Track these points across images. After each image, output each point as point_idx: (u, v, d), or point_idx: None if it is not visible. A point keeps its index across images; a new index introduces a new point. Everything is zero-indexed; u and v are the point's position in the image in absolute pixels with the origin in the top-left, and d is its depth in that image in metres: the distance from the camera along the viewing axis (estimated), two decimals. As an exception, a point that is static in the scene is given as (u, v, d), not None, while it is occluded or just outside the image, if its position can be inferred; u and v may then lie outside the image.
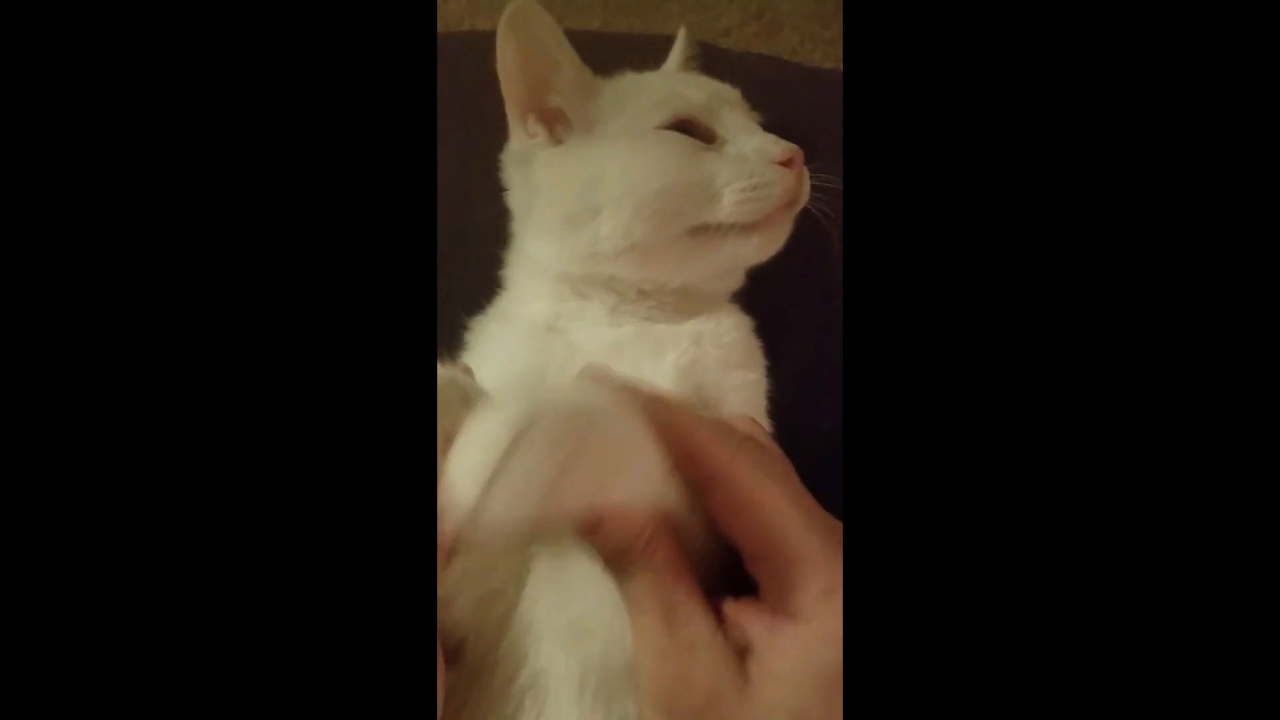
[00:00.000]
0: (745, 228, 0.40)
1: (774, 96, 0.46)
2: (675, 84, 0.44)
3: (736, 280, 0.45)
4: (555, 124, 0.42)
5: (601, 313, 0.40)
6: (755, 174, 0.39)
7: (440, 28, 0.80)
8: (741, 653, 0.26)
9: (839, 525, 0.27)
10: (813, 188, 0.42)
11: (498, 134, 0.44)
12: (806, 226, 0.43)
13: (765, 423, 0.39)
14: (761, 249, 0.41)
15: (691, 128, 0.40)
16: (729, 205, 0.38)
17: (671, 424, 0.26)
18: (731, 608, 0.27)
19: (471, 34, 0.62)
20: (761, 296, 0.46)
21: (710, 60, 0.51)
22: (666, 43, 0.52)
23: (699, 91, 0.42)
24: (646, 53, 0.46)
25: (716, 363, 0.38)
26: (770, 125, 0.43)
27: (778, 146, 0.40)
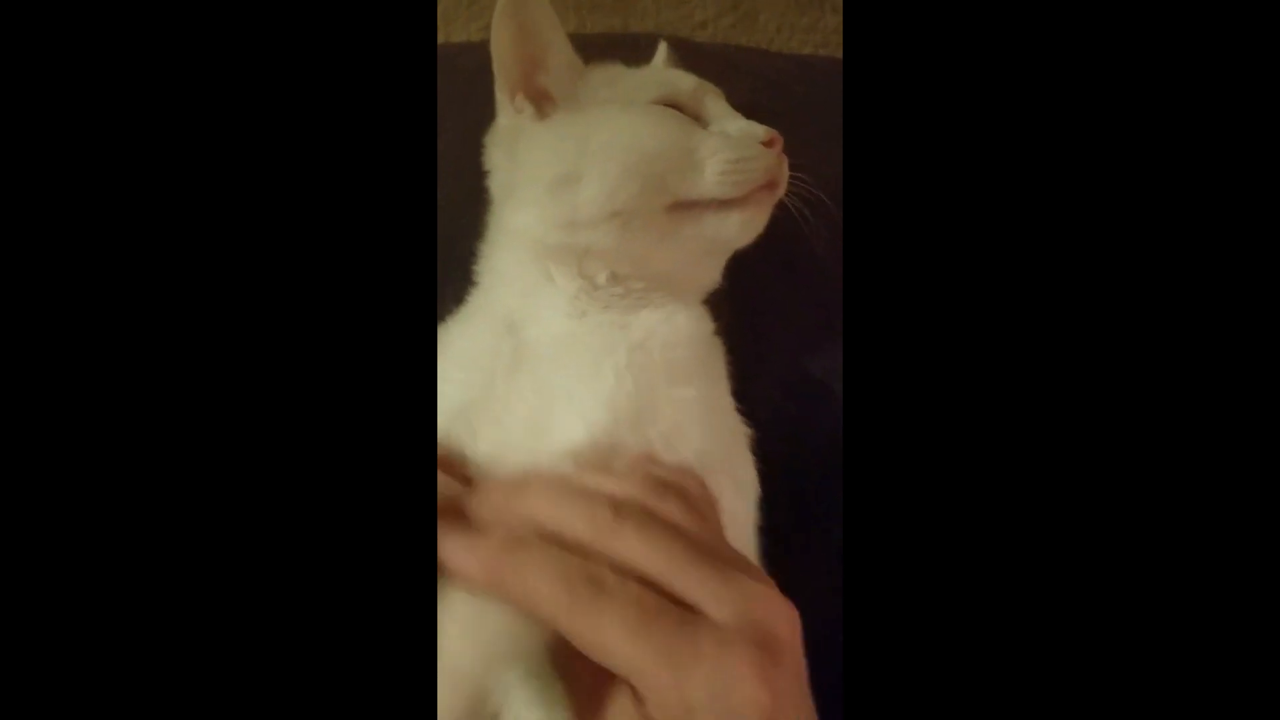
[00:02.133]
0: (725, 204, 0.40)
1: (752, 87, 0.46)
2: (663, 73, 0.46)
3: (714, 275, 0.45)
4: (542, 101, 0.43)
5: (560, 300, 0.40)
6: (738, 149, 0.40)
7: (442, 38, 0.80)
8: None
9: (730, 598, 0.27)
10: (798, 196, 0.43)
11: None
12: (789, 227, 0.44)
13: (720, 435, 0.38)
14: (742, 229, 0.41)
15: (679, 108, 0.42)
16: (711, 177, 0.39)
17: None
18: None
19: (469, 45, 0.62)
20: (754, 297, 0.46)
21: (687, 56, 0.51)
22: (644, 41, 0.52)
23: (686, 80, 0.44)
24: (624, 54, 0.46)
25: (660, 375, 0.38)
26: (748, 114, 0.44)
27: (760, 128, 0.41)
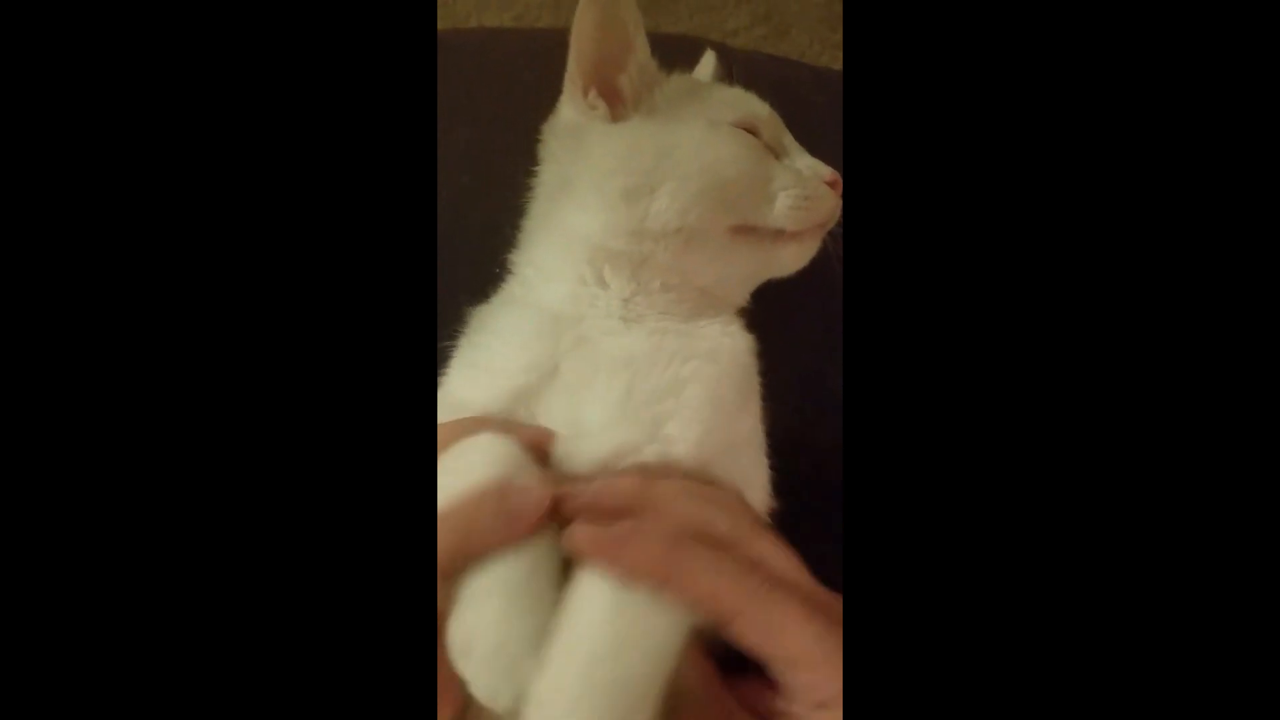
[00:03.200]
0: (787, 236, 0.41)
1: (782, 97, 0.46)
2: (743, 96, 0.46)
3: (747, 294, 0.45)
4: (616, 102, 0.42)
5: (615, 304, 0.40)
6: (808, 187, 0.41)
7: (448, 24, 0.80)
8: None
9: (827, 594, 0.28)
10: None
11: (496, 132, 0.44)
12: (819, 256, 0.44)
13: (759, 459, 0.39)
14: (794, 260, 0.43)
15: (756, 134, 0.42)
16: (781, 210, 0.40)
17: (680, 576, 0.28)
18: (765, 699, 0.29)
19: (477, 30, 0.62)
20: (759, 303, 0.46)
21: (722, 61, 0.51)
22: (676, 44, 0.52)
23: (762, 108, 0.44)
24: (656, 55, 0.46)
25: (728, 394, 0.38)
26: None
27: (826, 169, 0.43)
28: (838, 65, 0.92)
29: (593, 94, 0.42)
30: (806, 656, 0.27)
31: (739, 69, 0.47)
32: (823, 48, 0.93)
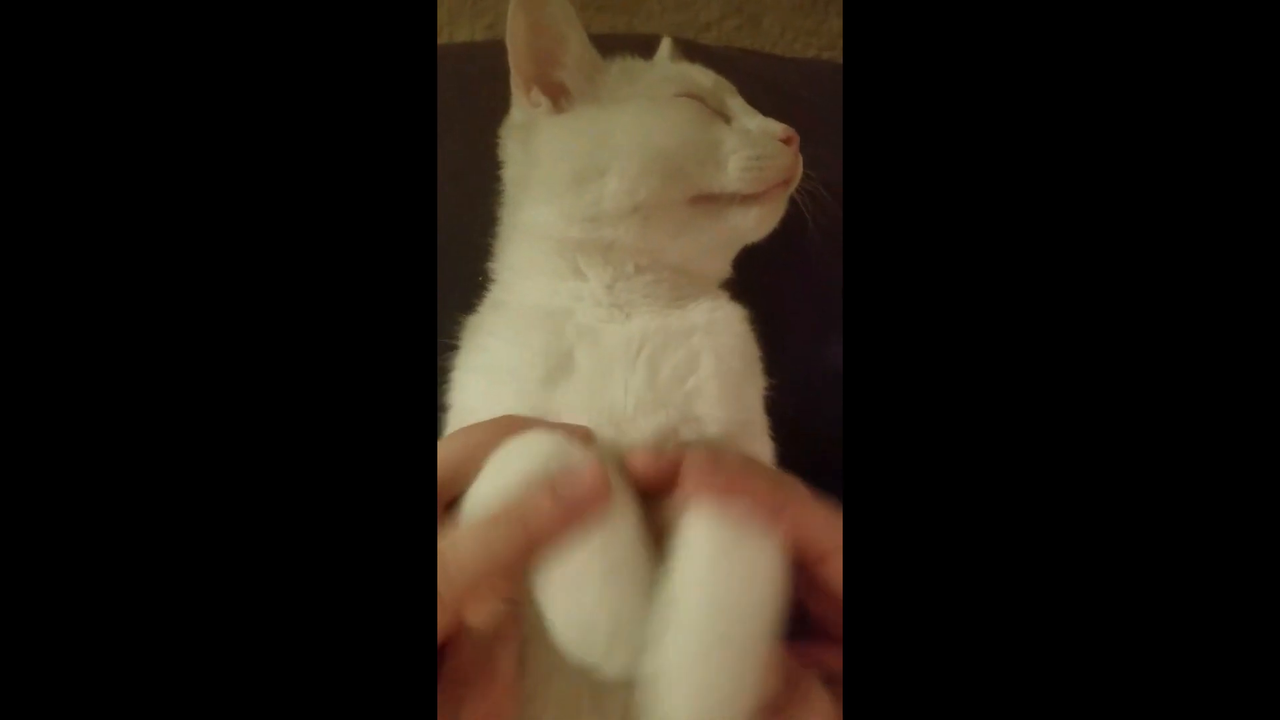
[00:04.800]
0: (746, 199, 0.41)
1: (758, 90, 0.47)
2: (684, 68, 0.46)
3: (725, 266, 0.45)
4: (559, 96, 0.43)
5: (600, 293, 0.40)
6: (759, 146, 0.41)
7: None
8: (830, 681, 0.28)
9: None
10: (803, 190, 0.44)
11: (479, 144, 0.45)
12: (796, 223, 0.44)
13: (765, 428, 0.39)
14: (760, 223, 0.42)
15: (701, 103, 0.42)
16: (733, 173, 0.40)
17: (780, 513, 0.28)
18: (811, 650, 0.29)
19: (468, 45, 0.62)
20: (757, 293, 0.46)
21: (692, 57, 0.52)
22: (649, 43, 0.52)
23: (706, 76, 0.45)
24: (630, 54, 0.46)
25: (738, 360, 0.39)
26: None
27: (778, 125, 0.42)
28: (811, 53, 0.92)
29: (535, 92, 0.43)
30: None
31: (720, 69, 0.48)
32: (796, 34, 0.93)
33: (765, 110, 0.44)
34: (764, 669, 0.27)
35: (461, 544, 0.27)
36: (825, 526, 0.28)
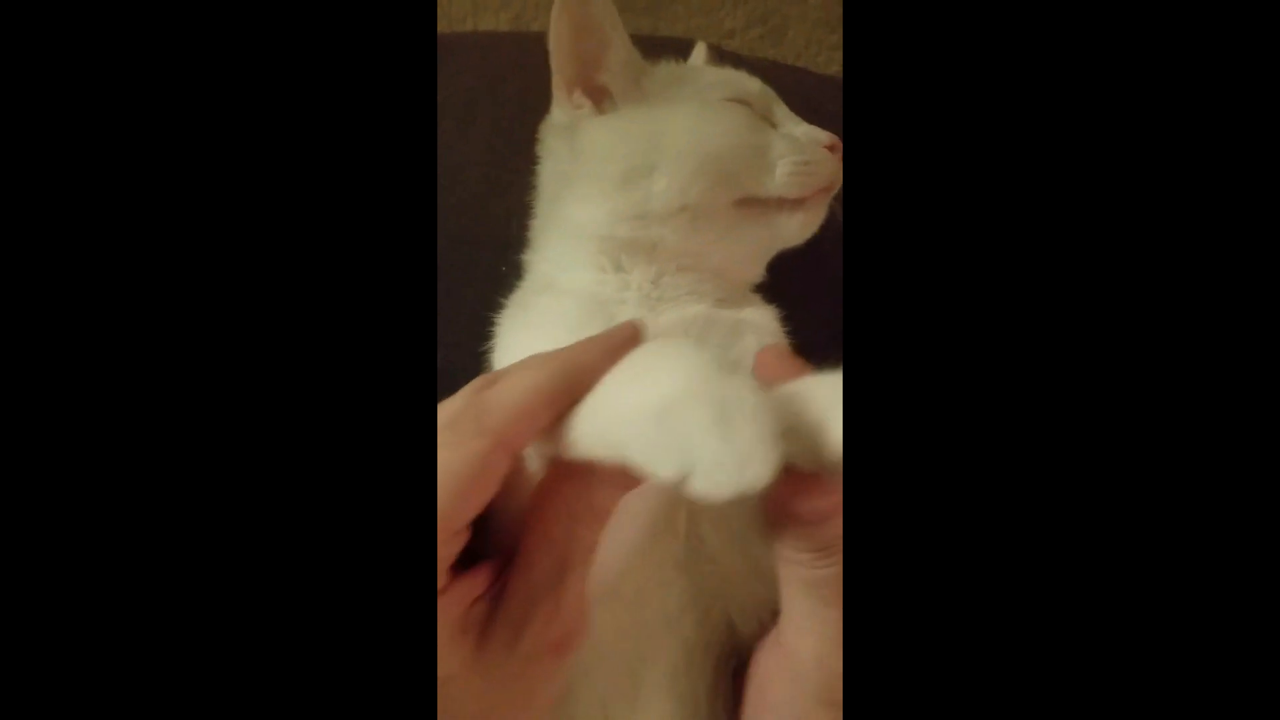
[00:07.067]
0: (791, 204, 0.41)
1: (791, 103, 0.47)
2: (731, 73, 0.47)
3: (761, 270, 0.46)
4: (601, 99, 0.43)
5: (646, 286, 0.40)
6: (806, 152, 0.41)
7: (445, 26, 0.80)
8: None
9: None
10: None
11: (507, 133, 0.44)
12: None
13: None
14: (803, 228, 0.43)
15: (750, 107, 0.43)
16: (780, 178, 0.41)
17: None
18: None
19: (474, 34, 0.62)
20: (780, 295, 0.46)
21: (724, 65, 0.52)
22: (674, 45, 0.52)
23: (753, 83, 0.45)
24: (655, 56, 0.46)
25: (784, 364, 0.38)
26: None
27: (823, 133, 0.43)
28: (833, 68, 0.92)
29: (578, 94, 0.43)
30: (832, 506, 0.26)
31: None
32: (819, 49, 0.93)
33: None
34: None
35: (505, 381, 0.26)
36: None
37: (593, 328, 0.36)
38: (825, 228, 0.44)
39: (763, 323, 0.40)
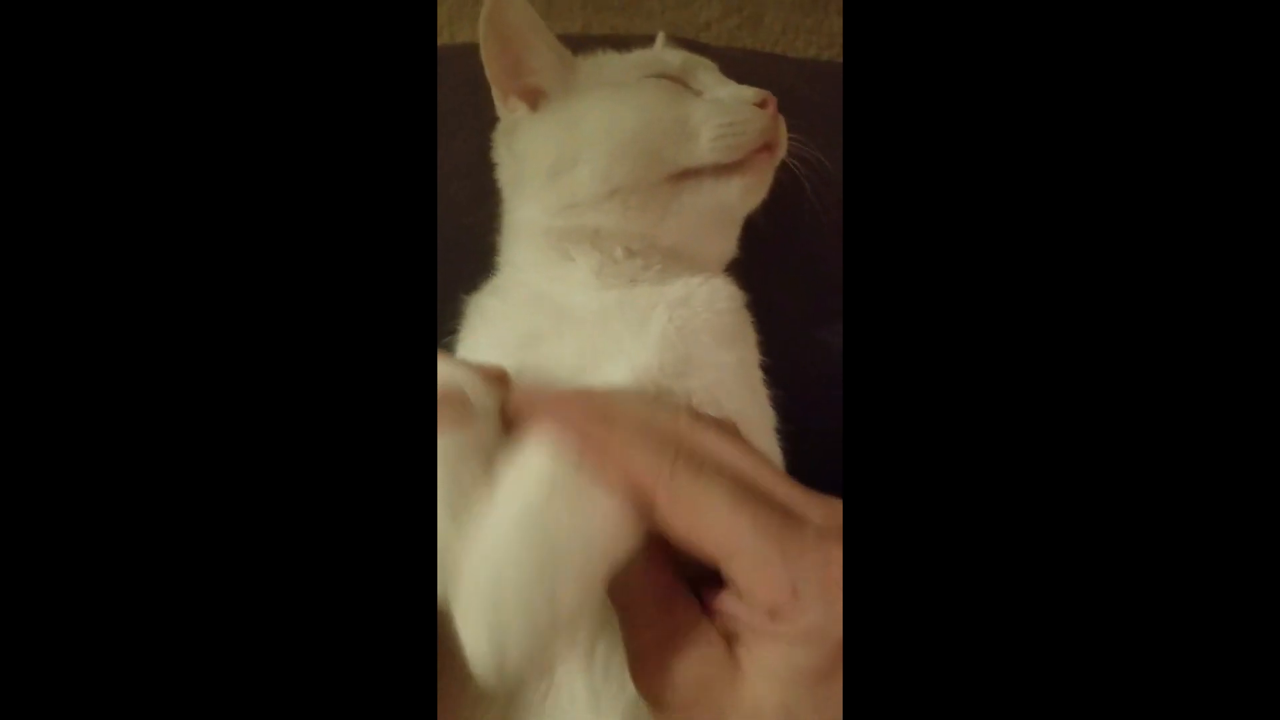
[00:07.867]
0: (725, 169, 0.40)
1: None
2: (652, 52, 0.48)
3: (728, 246, 0.46)
4: (536, 98, 0.44)
5: (588, 275, 0.40)
6: (731, 113, 0.40)
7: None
8: (730, 640, 0.26)
9: (815, 508, 0.26)
10: (798, 158, 0.44)
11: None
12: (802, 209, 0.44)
13: (755, 402, 0.39)
14: (744, 195, 0.42)
15: (670, 80, 0.43)
16: (706, 143, 0.40)
17: (605, 449, 0.26)
18: (717, 598, 0.26)
19: (453, 45, 0.63)
20: (758, 282, 0.46)
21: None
22: (649, 43, 0.53)
23: (675, 55, 0.45)
24: (617, 49, 0.47)
25: (704, 332, 0.38)
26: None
27: (750, 90, 0.42)
28: (812, 52, 0.92)
29: (512, 99, 0.44)
30: (743, 550, 0.24)
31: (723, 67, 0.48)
32: (797, 33, 0.93)
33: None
34: (565, 605, 0.24)
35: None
36: (645, 465, 0.25)
37: (523, 315, 0.39)
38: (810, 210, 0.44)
39: (694, 298, 0.39)
